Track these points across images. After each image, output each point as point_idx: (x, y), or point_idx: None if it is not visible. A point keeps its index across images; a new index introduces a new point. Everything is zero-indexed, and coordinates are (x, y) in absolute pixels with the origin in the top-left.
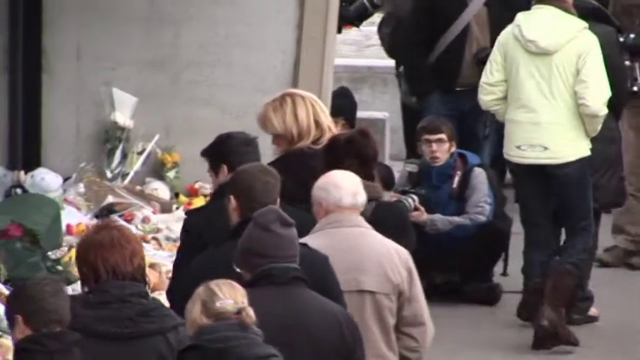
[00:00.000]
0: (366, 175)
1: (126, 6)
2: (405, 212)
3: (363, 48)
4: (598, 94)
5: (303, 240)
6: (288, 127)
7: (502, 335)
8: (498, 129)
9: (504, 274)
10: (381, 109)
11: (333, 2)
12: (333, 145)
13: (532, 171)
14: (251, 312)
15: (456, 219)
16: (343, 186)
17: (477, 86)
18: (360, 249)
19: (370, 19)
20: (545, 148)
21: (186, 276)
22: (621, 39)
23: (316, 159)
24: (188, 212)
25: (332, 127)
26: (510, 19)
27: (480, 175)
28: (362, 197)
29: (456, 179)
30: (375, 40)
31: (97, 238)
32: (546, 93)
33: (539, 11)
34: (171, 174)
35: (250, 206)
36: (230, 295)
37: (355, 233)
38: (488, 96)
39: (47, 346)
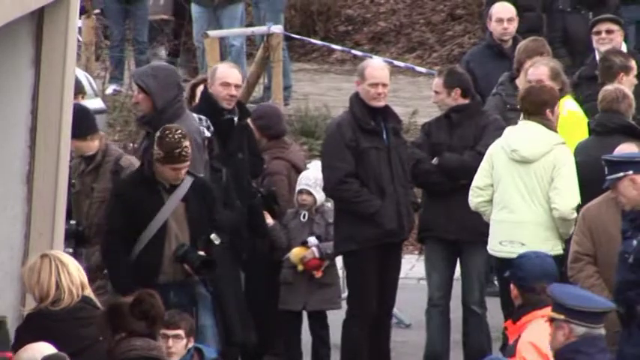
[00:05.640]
0: (153, 336)
1: None
2: None
3: None
4: (568, 200)
5: None
6: (32, 288)
7: None
8: None
9: None
10: None
11: (60, 198)
12: (117, 307)
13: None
14: None
15: None
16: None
17: (180, 283)
18: None
19: None
20: (523, 244)
21: None
22: None
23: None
24: None
25: (75, 291)
26: (208, 214)
27: None
28: None
29: None
30: None
31: None
32: (525, 196)
33: (524, 126)
34: None
35: None
36: None
37: None
38: (478, 198)
39: None
